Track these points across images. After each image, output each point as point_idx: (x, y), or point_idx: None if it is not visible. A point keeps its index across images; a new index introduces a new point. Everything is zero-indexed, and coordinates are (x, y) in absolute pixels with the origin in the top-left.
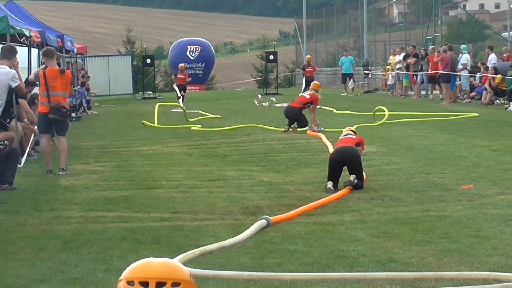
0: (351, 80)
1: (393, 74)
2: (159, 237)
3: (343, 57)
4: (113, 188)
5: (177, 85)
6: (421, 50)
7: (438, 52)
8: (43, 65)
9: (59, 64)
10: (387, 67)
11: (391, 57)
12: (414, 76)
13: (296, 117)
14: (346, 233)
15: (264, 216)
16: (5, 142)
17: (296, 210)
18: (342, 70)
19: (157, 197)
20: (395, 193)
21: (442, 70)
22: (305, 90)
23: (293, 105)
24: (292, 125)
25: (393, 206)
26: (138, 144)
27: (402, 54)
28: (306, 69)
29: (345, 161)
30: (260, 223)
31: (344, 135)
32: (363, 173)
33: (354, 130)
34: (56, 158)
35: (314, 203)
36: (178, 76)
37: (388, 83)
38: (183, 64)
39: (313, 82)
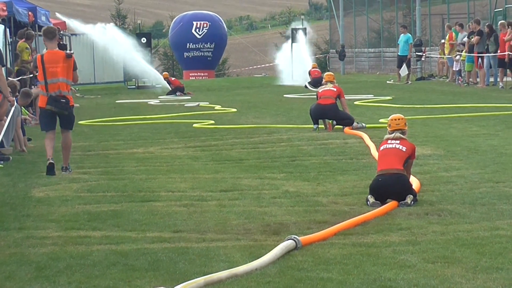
0: (404, 65)
1: (457, 58)
2: (158, 262)
3: (402, 34)
4: (99, 201)
5: (176, 88)
6: (485, 27)
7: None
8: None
9: (64, 46)
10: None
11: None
12: (480, 59)
13: (334, 115)
14: (393, 258)
15: (292, 236)
16: None
17: (330, 229)
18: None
19: (155, 212)
20: (455, 207)
21: None
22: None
23: (326, 102)
24: (330, 121)
25: (453, 224)
26: (131, 145)
27: (465, 33)
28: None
29: (389, 195)
30: (286, 244)
31: (391, 144)
32: (417, 180)
33: (405, 126)
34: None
35: (353, 219)
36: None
37: (454, 69)
38: (167, 73)
39: (327, 74)
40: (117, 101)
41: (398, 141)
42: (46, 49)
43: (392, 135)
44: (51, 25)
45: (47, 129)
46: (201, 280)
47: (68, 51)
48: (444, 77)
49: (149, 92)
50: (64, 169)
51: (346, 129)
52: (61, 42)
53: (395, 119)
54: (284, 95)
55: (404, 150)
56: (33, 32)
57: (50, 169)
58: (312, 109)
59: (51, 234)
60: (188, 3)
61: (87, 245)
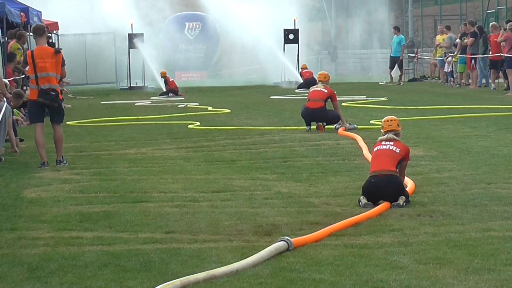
0: (396, 66)
1: (448, 59)
2: (150, 263)
3: (395, 36)
4: (91, 202)
5: (170, 90)
6: (475, 28)
7: (505, 29)
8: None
9: (53, 44)
10: (439, 49)
11: (438, 37)
12: (473, 61)
13: (323, 117)
14: (385, 259)
15: (284, 237)
16: None
17: (322, 230)
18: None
19: (147, 213)
20: (447, 208)
21: (506, 53)
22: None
23: (314, 106)
24: (320, 123)
25: (445, 225)
26: (122, 146)
27: (450, 34)
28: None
29: (382, 196)
30: (277, 245)
31: (385, 146)
32: (412, 182)
33: (398, 127)
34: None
35: (345, 220)
36: (169, 80)
37: (445, 70)
38: (165, 71)
39: (320, 73)
40: (104, 102)
41: (391, 143)
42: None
43: (385, 136)
44: (40, 24)
45: (35, 120)
46: (177, 281)
47: (57, 48)
48: (436, 78)
49: (141, 93)
50: (59, 162)
51: (340, 130)
52: (50, 41)
53: (387, 120)
54: (272, 97)
55: (398, 151)
56: (24, 32)
57: (44, 164)
58: (302, 112)
59: (43, 235)
60: (180, 3)
61: (79, 246)
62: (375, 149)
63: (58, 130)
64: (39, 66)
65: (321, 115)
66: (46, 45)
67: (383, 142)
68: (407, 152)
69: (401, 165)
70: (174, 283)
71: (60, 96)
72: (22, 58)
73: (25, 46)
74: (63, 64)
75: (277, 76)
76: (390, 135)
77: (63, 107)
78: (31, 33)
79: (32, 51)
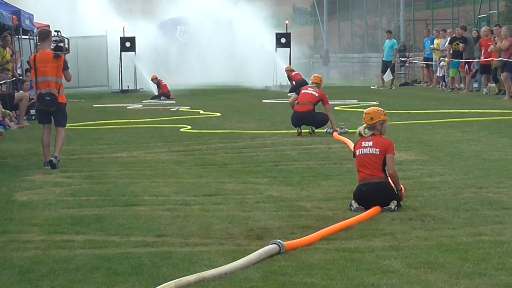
0: (388, 70)
1: (441, 64)
2: (141, 266)
3: (387, 40)
4: (82, 205)
5: (162, 93)
6: (473, 31)
7: (494, 36)
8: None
9: (60, 48)
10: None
11: (436, 41)
12: (466, 65)
13: (311, 121)
14: (376, 263)
15: (276, 240)
16: None
17: (314, 234)
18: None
19: (139, 217)
20: (438, 212)
21: (507, 58)
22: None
23: (302, 109)
24: (309, 129)
25: (437, 229)
26: (114, 150)
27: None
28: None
29: (373, 203)
30: (268, 248)
31: (365, 149)
32: (401, 186)
33: (374, 119)
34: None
35: (336, 224)
36: (161, 83)
37: (437, 74)
38: (156, 75)
39: (314, 75)
40: (96, 106)
41: (370, 143)
42: (38, 50)
43: (365, 130)
44: (45, 28)
45: (42, 123)
46: (171, 283)
47: (56, 52)
48: (426, 82)
49: (133, 96)
50: (54, 157)
51: (335, 134)
52: (59, 44)
53: (366, 113)
54: (263, 100)
55: (378, 152)
56: (6, 35)
57: (51, 164)
58: (291, 117)
59: (34, 238)
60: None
61: (70, 249)
62: (357, 152)
63: (61, 133)
64: (40, 70)
65: (309, 118)
66: (49, 49)
67: (363, 143)
68: (386, 147)
69: (386, 160)
70: (169, 285)
71: (60, 100)
72: (12, 64)
73: (17, 48)
74: (65, 68)
75: (268, 80)
76: (369, 131)
77: (65, 111)
78: (24, 36)
79: (35, 56)
